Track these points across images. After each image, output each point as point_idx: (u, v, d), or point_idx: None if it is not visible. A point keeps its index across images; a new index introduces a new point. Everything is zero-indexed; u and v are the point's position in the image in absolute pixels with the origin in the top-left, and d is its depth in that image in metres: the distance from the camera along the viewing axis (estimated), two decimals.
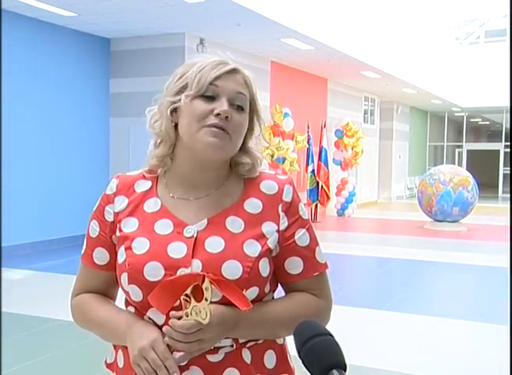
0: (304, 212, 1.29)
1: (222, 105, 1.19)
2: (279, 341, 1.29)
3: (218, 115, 1.19)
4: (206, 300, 1.09)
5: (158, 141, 1.27)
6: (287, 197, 1.26)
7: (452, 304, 5.87)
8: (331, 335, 0.99)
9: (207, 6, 7.52)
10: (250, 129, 1.28)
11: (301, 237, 1.26)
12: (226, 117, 1.19)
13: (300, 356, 0.98)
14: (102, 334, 1.30)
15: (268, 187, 1.27)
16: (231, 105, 1.21)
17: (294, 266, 1.25)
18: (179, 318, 1.11)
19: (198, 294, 1.11)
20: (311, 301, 1.26)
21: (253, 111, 1.28)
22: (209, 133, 1.19)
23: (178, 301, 1.15)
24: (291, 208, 1.26)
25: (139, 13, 7.87)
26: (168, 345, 1.13)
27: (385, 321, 5.19)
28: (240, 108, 1.23)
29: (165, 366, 1.11)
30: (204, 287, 1.10)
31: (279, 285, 1.31)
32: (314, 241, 1.28)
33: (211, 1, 7.32)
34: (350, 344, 4.35)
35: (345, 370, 0.93)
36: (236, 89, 1.22)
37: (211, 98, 1.21)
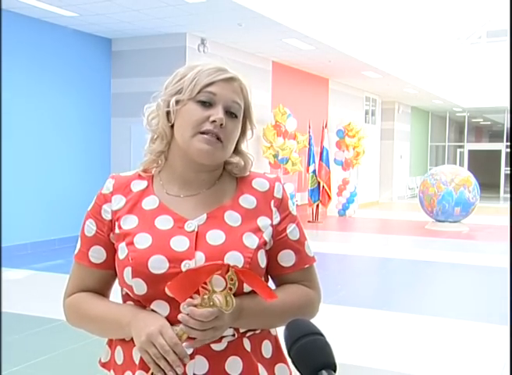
0: (293, 208, 1.36)
1: (217, 113, 1.24)
2: (273, 332, 1.35)
3: (213, 122, 1.24)
4: (230, 289, 1.14)
5: (155, 137, 1.32)
6: (278, 193, 1.33)
7: (452, 304, 5.86)
8: (322, 335, 0.98)
9: (208, 6, 7.52)
10: (243, 133, 1.34)
11: (292, 232, 1.33)
12: (221, 125, 1.24)
13: (289, 355, 0.97)
14: (102, 329, 1.30)
15: (260, 184, 1.34)
16: (226, 112, 1.26)
17: (287, 258, 1.32)
18: (195, 306, 1.13)
19: (217, 284, 1.14)
20: (304, 292, 1.33)
21: (246, 117, 1.33)
22: (203, 140, 1.24)
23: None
24: (282, 204, 1.33)
25: (140, 13, 7.87)
26: (177, 334, 1.14)
27: (386, 321, 5.19)
28: (234, 116, 1.28)
29: (174, 352, 1.12)
30: (228, 277, 1.14)
31: (270, 279, 1.36)
32: (303, 236, 1.35)
33: (213, 1, 7.32)
34: (350, 343, 4.36)
35: (335, 371, 0.92)
36: (231, 98, 1.27)
37: (206, 104, 1.25)
